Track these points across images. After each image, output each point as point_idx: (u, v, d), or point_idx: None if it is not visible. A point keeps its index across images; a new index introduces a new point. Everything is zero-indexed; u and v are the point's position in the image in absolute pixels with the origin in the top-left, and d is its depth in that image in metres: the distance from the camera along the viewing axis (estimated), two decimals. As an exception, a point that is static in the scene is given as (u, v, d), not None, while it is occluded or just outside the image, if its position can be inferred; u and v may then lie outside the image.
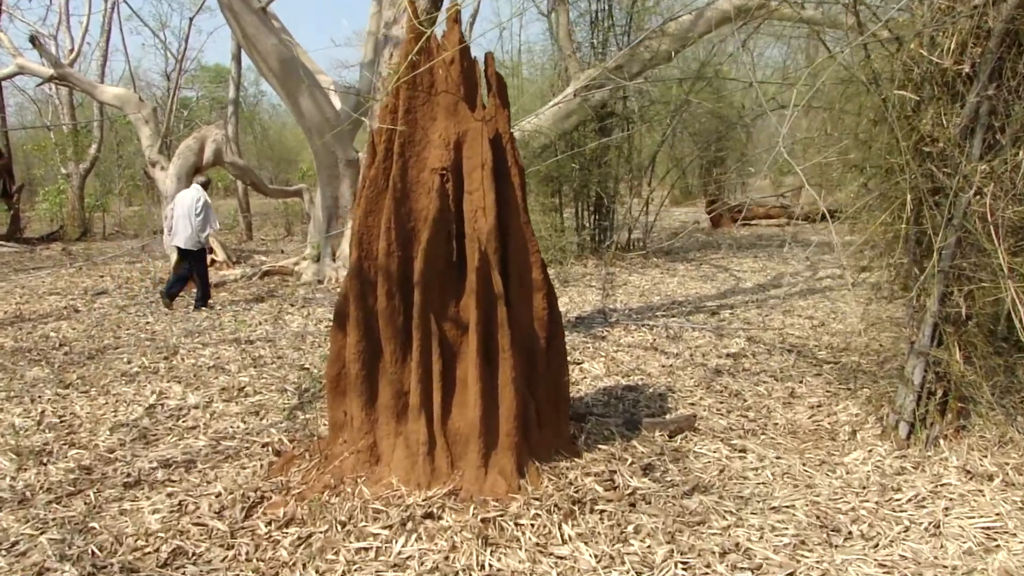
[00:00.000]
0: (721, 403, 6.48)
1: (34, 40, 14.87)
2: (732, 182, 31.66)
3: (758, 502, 4.62)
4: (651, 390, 6.86)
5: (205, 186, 11.10)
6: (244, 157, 22.26)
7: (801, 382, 7.00)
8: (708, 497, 4.64)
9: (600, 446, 5.29)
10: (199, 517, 4.41)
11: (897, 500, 4.65)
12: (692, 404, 6.46)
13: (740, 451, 5.43)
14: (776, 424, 6.00)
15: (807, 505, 4.59)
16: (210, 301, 11.15)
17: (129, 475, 5.07)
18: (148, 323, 9.95)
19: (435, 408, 4.31)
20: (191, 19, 18.43)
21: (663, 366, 7.62)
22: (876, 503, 4.61)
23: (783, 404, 6.45)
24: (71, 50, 18.38)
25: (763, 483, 4.92)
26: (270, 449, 5.40)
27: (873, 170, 5.43)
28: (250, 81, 42.46)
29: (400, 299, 4.31)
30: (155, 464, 5.24)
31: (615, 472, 4.83)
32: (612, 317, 10.02)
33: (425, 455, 4.28)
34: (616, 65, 13.50)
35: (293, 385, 7.10)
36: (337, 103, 13.10)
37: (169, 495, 4.74)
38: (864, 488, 4.83)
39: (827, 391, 6.74)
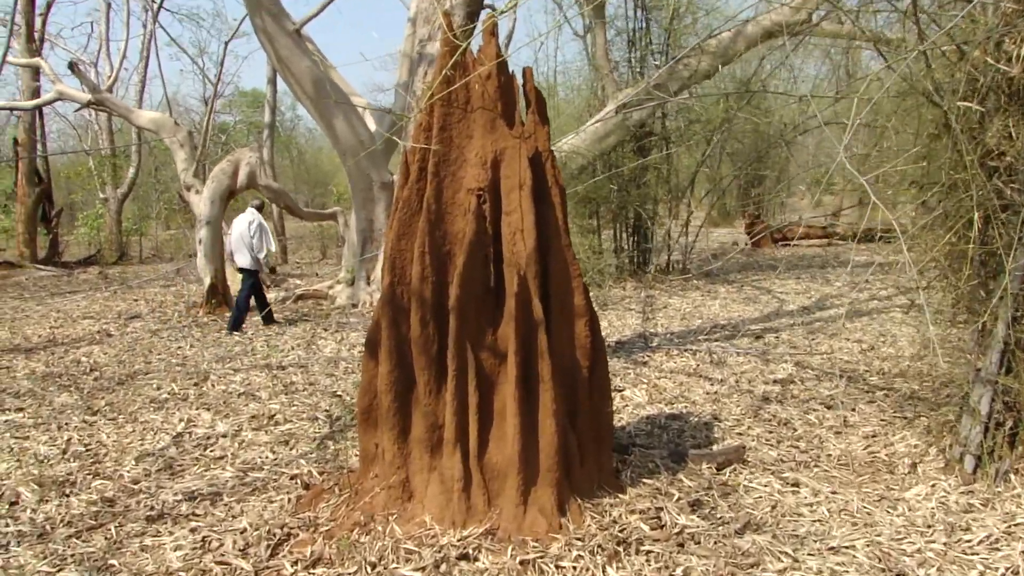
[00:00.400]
0: (770, 433, 6.17)
1: (73, 66, 14.96)
2: (771, 202, 31.29)
3: (815, 542, 4.32)
4: (696, 419, 6.57)
5: (260, 208, 11.48)
6: (280, 180, 22.28)
7: (854, 410, 6.66)
8: (761, 536, 4.34)
9: (645, 480, 5.01)
10: (223, 555, 4.20)
11: (967, 541, 4.31)
12: (740, 434, 6.16)
13: (793, 485, 5.13)
14: (829, 455, 5.68)
15: (868, 546, 4.28)
16: (244, 326, 11.05)
17: (152, 508, 4.88)
18: (179, 348, 9.83)
19: (471, 442, 4.06)
20: (226, 43, 18.52)
21: (707, 393, 7.32)
22: (944, 544, 4.28)
23: (835, 434, 6.12)
24: (109, 75, 18.52)
25: (819, 520, 4.61)
26: (299, 482, 5.18)
27: (933, 187, 5.12)
28: (287, 106, 42.84)
29: (434, 327, 4.08)
30: (180, 496, 5.05)
31: (661, 509, 4.55)
32: (653, 342, 9.72)
33: (460, 491, 4.03)
34: (655, 84, 13.28)
35: (324, 413, 6.90)
36: (372, 125, 13.00)
37: (192, 530, 4.54)
38: (929, 527, 4.50)
39: (881, 420, 6.40)
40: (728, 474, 5.28)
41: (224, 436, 6.30)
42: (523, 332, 4.01)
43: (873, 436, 6.03)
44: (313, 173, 41.80)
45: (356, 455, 5.71)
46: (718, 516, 4.58)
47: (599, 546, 4.01)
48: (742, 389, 7.44)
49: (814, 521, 4.60)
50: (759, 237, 21.62)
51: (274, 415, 6.90)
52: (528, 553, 3.92)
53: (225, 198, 12.52)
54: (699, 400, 7.11)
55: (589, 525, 4.20)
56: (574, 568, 3.86)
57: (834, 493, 4.99)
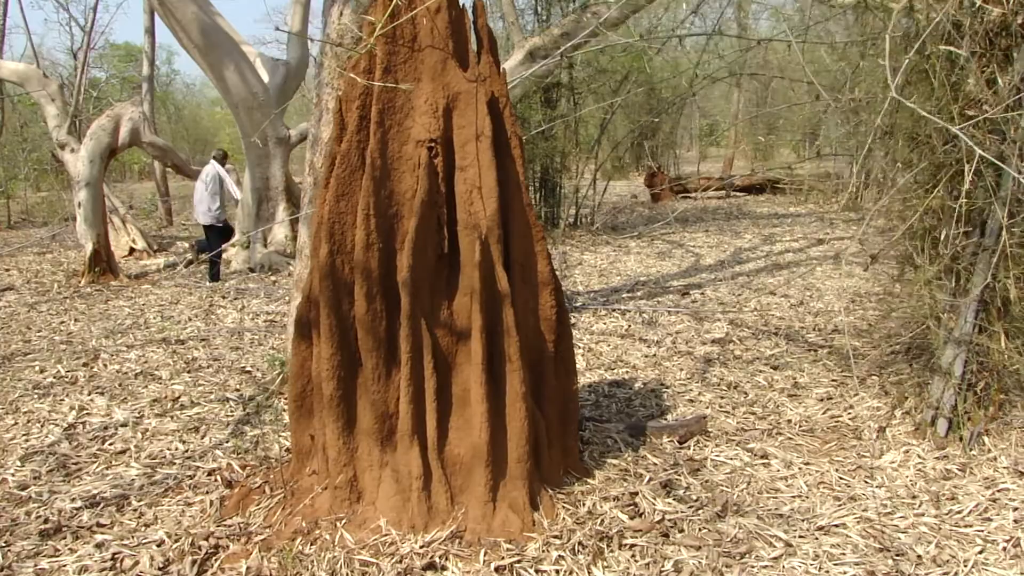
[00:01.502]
0: (722, 398, 5.85)
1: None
2: (665, 154, 31.36)
3: (802, 521, 3.99)
4: (640, 385, 6.19)
5: (221, 160, 11.59)
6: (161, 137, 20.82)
7: (801, 370, 6.41)
8: (746, 519, 3.98)
9: (608, 460, 4.58)
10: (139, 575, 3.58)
11: (958, 513, 4.06)
12: (691, 401, 5.81)
13: (762, 457, 4.80)
14: (790, 421, 5.38)
15: (859, 523, 3.97)
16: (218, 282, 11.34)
17: (47, 520, 4.17)
18: (63, 323, 8.87)
19: (429, 432, 3.53)
20: (98, -10, 16.95)
21: (646, 356, 6.96)
22: (936, 517, 4.01)
23: (789, 397, 5.85)
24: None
25: (799, 496, 4.29)
26: (218, 478, 4.55)
27: (905, 138, 4.79)
28: (162, 60, 40.55)
29: (382, 302, 3.51)
30: (79, 503, 4.35)
31: (636, 494, 4.13)
32: (577, 301, 9.32)
33: (420, 490, 3.50)
34: (561, 33, 12.76)
35: (235, 393, 6.22)
36: (265, 77, 12.08)
37: (99, 546, 3.87)
38: (914, 498, 4.24)
39: (832, 380, 6.16)
40: (692, 447, 4.91)
41: (124, 425, 5.57)
42: (487, 307, 3.49)
43: (829, 399, 5.77)
44: (193, 130, 39.77)
45: (279, 442, 5.12)
46: (694, 498, 4.20)
47: (580, 544, 3.56)
48: (681, 351, 7.12)
49: (794, 497, 4.28)
50: (661, 189, 21.52)
51: (178, 397, 6.19)
52: (503, 557, 3.43)
53: (106, 157, 11.42)
54: (639, 364, 6.74)
55: (564, 519, 3.75)
56: (556, 571, 3.39)
57: (807, 464, 4.69)
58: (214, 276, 11.47)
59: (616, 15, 13.25)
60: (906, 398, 5.40)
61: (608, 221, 16.95)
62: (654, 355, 7.00)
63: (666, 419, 5.42)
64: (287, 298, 9.92)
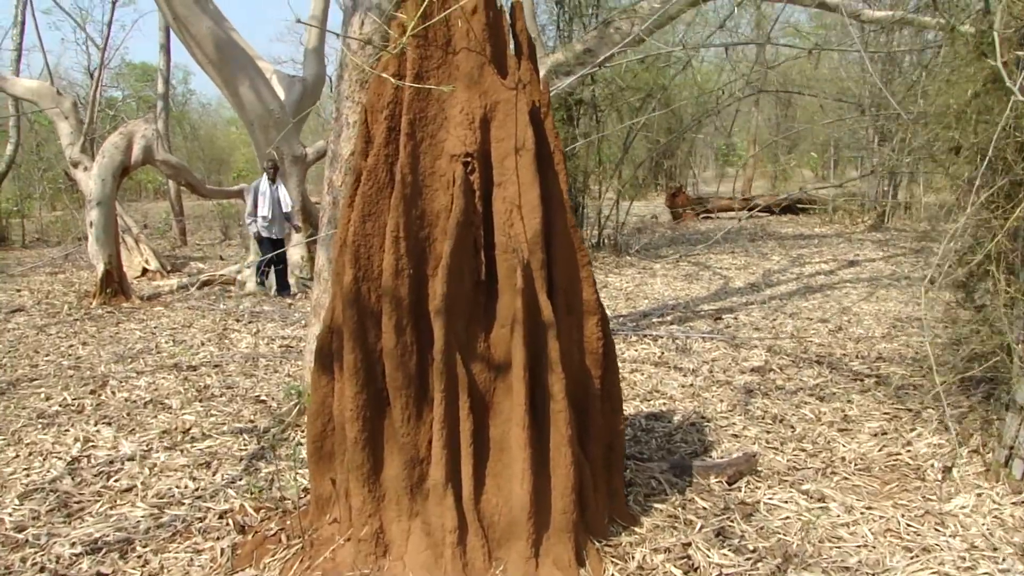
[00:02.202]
0: (767, 433, 5.46)
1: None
2: (683, 174, 31.00)
3: (872, 577, 3.60)
4: (680, 418, 5.81)
5: (271, 172, 11.34)
6: (175, 156, 20.65)
7: (849, 402, 6.01)
8: (810, 574, 3.59)
9: (654, 504, 4.20)
10: (141, 638, 3.22)
11: (1047, 568, 3.66)
12: (735, 436, 5.43)
13: (819, 500, 4.41)
14: (844, 459, 4.99)
15: (937, 580, 3.58)
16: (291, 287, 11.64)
17: (44, 568, 3.83)
18: (71, 347, 8.56)
19: (464, 481, 3.16)
20: (114, 2, 16.55)
21: (683, 386, 6.58)
22: None
23: (840, 432, 5.45)
24: (-21, 41, 16.66)
25: (865, 546, 3.89)
26: (231, 522, 4.19)
27: (972, 155, 4.41)
28: (178, 79, 40.61)
29: (413, 333, 3.16)
30: (79, 548, 4.00)
31: (688, 545, 3.75)
32: (604, 326, 8.93)
33: (454, 545, 3.13)
34: (584, 49, 12.47)
35: (249, 424, 5.88)
36: (281, 93, 11.80)
37: (98, 600, 3.53)
38: (995, 550, 3.83)
39: (884, 413, 5.76)
40: (743, 489, 4.52)
41: (131, 459, 5.23)
42: (529, 339, 3.13)
43: (883, 434, 5.37)
44: (208, 150, 39.69)
45: (296, 480, 4.76)
46: (751, 548, 3.81)
47: (632, 606, 3.18)
48: (718, 380, 6.72)
49: (859, 547, 3.88)
50: (683, 210, 21.14)
51: (189, 429, 5.85)
52: (547, 623, 3.06)
53: (118, 175, 11.15)
54: (676, 395, 6.36)
55: (613, 575, 3.37)
56: (607, 640, 3.02)
57: (869, 509, 4.29)
58: (285, 287, 11.69)
59: (639, 31, 12.93)
60: (971, 435, 5.00)
61: (635, 242, 16.56)
62: (691, 385, 6.61)
63: (711, 456, 5.04)
64: (303, 322, 9.59)
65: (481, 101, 3.21)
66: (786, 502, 4.38)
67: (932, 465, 4.81)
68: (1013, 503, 4.27)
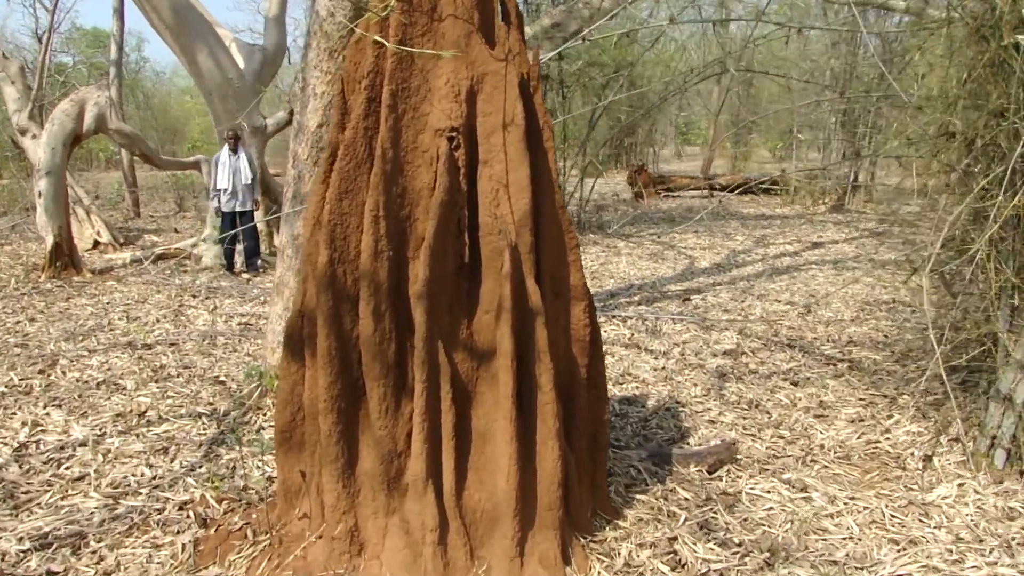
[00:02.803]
0: (744, 419, 5.36)
1: None
2: (642, 152, 30.94)
3: (861, 570, 3.50)
4: (653, 402, 5.69)
5: (232, 143, 10.78)
6: (128, 125, 20.03)
7: (824, 387, 5.93)
8: (800, 568, 3.49)
9: (636, 496, 4.07)
10: (96, 643, 3.01)
11: (1038, 562, 3.59)
12: (711, 421, 5.32)
13: (801, 490, 4.31)
14: (823, 447, 4.90)
15: (927, 574, 3.49)
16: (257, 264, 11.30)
17: (-11, 565, 3.59)
18: (19, 323, 8.20)
19: (446, 476, 2.98)
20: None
21: (655, 369, 6.45)
22: (1012, 567, 3.54)
23: (817, 418, 5.36)
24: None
25: (851, 538, 3.80)
26: (191, 513, 3.97)
27: (963, 142, 4.29)
28: (131, 46, 39.56)
29: (392, 320, 2.96)
30: (27, 544, 3.75)
31: (674, 539, 3.62)
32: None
33: (434, 544, 2.96)
34: (552, 23, 12.25)
35: (208, 407, 5.64)
36: (241, 62, 11.42)
37: (49, 601, 3.30)
38: (981, 542, 3.76)
39: (860, 399, 5.69)
40: (724, 478, 4.41)
41: (83, 445, 4.96)
42: (517, 326, 2.95)
43: (860, 421, 5.30)
44: (162, 119, 38.75)
45: (257, 467, 4.55)
46: (736, 542, 3.70)
47: (621, 607, 3.04)
48: (691, 363, 6.62)
49: (845, 539, 3.79)
50: (645, 188, 21.06)
51: (145, 411, 5.59)
52: (533, 625, 2.91)
53: (69, 144, 10.71)
54: (649, 379, 6.23)
55: (600, 573, 3.22)
56: (596, 643, 2.88)
57: (852, 499, 4.20)
58: (253, 264, 11.31)
59: (609, 5, 12.71)
60: (949, 423, 4.94)
61: (592, 220, 16.41)
62: (663, 368, 6.49)
63: (689, 443, 4.92)
64: (263, 299, 9.32)
65: (468, 72, 3.00)
66: (768, 492, 4.28)
67: (912, 454, 4.74)
68: (995, 493, 4.21)
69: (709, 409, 5.55)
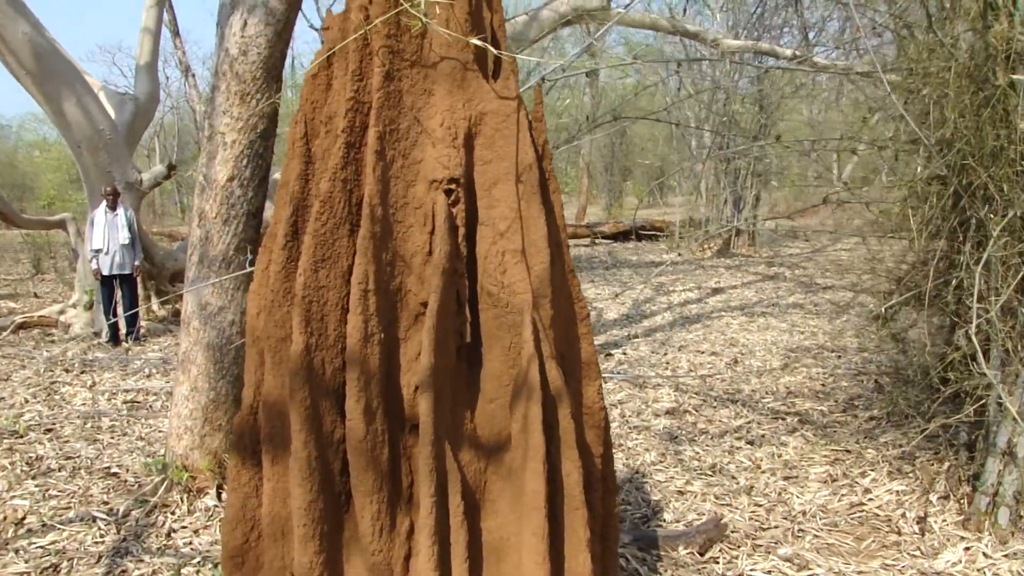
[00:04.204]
0: (711, 486, 4.95)
1: None
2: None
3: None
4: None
5: (110, 199, 9.82)
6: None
7: (783, 444, 5.61)
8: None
9: (636, 591, 3.57)
10: None
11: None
12: (679, 492, 4.89)
13: (803, 568, 3.91)
14: (805, 514, 4.54)
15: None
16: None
17: None
18: None
19: (458, 607, 2.40)
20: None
21: (601, 433, 5.99)
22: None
23: (787, 480, 5.02)
24: None
25: (874, 626, 3.41)
26: (105, 657, 3.22)
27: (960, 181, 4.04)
28: (-27, 97, 37.20)
29: (384, 420, 2.38)
30: None
31: (699, 646, 3.13)
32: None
33: None
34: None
35: (103, 508, 4.81)
36: (111, 112, 10.50)
37: None
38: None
39: (824, 456, 5.39)
40: (720, 560, 3.96)
41: (-50, 569, 4.09)
42: (547, 418, 2.41)
43: (833, 480, 4.98)
44: (8, 175, 36.36)
45: (177, 583, 3.82)
46: (759, 641, 3.24)
47: None
48: (635, 425, 6.20)
49: (868, 627, 3.39)
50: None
51: (24, 518, 4.72)
52: None
53: (-88, 204, 9.52)
54: (597, 444, 5.76)
55: None
56: None
57: (860, 574, 3.82)
58: (133, 332, 10.24)
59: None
60: (934, 479, 4.66)
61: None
62: (608, 431, 6.03)
63: (666, 520, 4.46)
64: (146, 371, 8.39)
65: (465, 111, 2.49)
66: (769, 572, 3.86)
67: (903, 515, 4.43)
68: (1005, 556, 3.92)
69: (673, 478, 5.12)
